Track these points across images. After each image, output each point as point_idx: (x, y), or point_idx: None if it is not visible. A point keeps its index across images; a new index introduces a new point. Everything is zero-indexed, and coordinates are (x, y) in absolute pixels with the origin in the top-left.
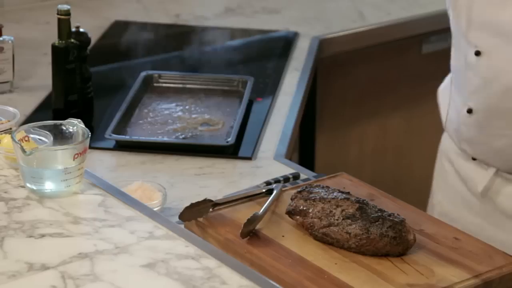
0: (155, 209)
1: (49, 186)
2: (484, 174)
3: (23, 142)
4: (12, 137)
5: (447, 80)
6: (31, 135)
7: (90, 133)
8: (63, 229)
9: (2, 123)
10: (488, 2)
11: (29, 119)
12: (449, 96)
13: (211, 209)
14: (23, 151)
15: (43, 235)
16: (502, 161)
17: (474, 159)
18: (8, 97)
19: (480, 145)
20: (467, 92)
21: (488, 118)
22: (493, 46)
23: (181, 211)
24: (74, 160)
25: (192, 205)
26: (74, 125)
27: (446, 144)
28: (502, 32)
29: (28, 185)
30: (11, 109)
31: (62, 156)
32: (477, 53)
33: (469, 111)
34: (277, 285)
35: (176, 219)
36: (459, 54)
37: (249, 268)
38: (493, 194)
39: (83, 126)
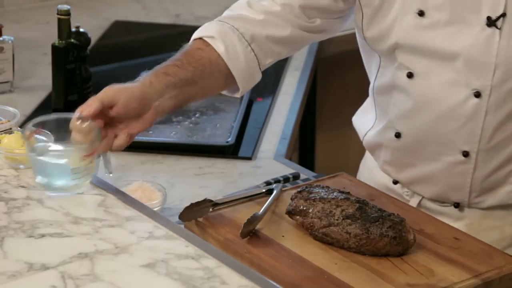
0: (155, 209)
1: (58, 181)
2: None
3: (31, 137)
4: (23, 131)
5: (364, 106)
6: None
7: (100, 132)
8: (63, 229)
9: (2, 123)
10: (415, 26)
11: (29, 119)
12: (369, 119)
13: (211, 209)
14: (33, 149)
15: (43, 235)
16: (430, 186)
17: (395, 182)
18: (8, 97)
19: (405, 170)
20: (395, 116)
21: (419, 142)
22: (428, 67)
23: (181, 211)
24: (83, 158)
25: (192, 205)
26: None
27: (369, 161)
28: (440, 53)
29: (38, 178)
30: (11, 109)
31: (72, 154)
32: (410, 75)
33: (397, 135)
34: (277, 285)
35: (176, 219)
36: (386, 75)
37: (249, 268)
38: None
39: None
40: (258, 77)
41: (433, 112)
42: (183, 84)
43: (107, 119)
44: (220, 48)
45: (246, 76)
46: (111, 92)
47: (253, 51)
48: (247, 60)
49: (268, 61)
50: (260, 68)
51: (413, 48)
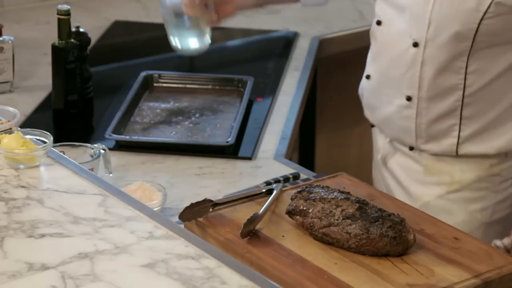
0: (155, 209)
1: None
2: (382, 142)
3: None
4: None
5: None
6: (28, 136)
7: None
8: (63, 229)
9: (2, 123)
10: None
11: (29, 119)
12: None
13: (211, 209)
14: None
15: (43, 235)
16: (390, 129)
17: (372, 126)
18: (8, 97)
19: (375, 111)
20: (368, 60)
21: (380, 84)
22: (390, 16)
23: (181, 211)
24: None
25: (192, 205)
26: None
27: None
28: (397, 4)
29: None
30: (11, 109)
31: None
32: (378, 23)
33: (367, 76)
34: (277, 285)
35: (176, 219)
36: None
37: (249, 268)
38: (389, 162)
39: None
40: None
41: (388, 56)
42: None
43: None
44: None
45: None
46: None
47: None
48: None
49: None
50: None
51: None
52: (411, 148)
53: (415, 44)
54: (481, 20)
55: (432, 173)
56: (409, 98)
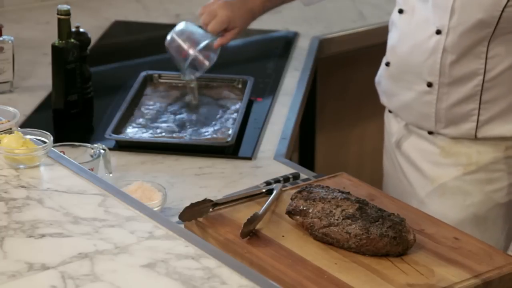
0: (155, 209)
1: None
2: (397, 127)
3: None
4: None
5: None
6: (28, 136)
7: None
8: (63, 229)
9: (2, 123)
10: None
11: (29, 119)
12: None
13: (211, 209)
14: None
15: (43, 235)
16: (408, 115)
17: (390, 112)
18: (8, 97)
19: (393, 98)
20: (388, 47)
21: (399, 72)
22: (413, 5)
23: (181, 211)
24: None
25: (192, 205)
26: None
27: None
28: None
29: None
30: (11, 109)
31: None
32: (400, 11)
33: (387, 64)
34: (277, 285)
35: (176, 219)
36: (393, 13)
37: (249, 268)
38: (403, 145)
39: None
40: None
41: (410, 43)
42: None
43: None
44: None
45: None
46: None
47: None
48: None
49: None
50: None
51: None
52: (430, 133)
53: (438, 32)
54: (504, 7)
55: (449, 155)
56: (430, 84)
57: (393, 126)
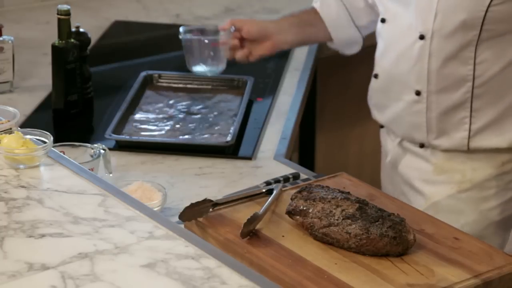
0: (155, 209)
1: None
2: (392, 145)
3: None
4: None
5: None
6: (28, 136)
7: None
8: (63, 229)
9: (2, 123)
10: None
11: (29, 119)
12: None
13: (211, 209)
14: None
15: (43, 235)
16: (400, 127)
17: (382, 126)
18: (8, 97)
19: (384, 111)
20: (376, 59)
21: (387, 82)
22: (394, 12)
23: (181, 211)
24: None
25: (192, 205)
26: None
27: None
28: (399, 1)
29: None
30: (11, 109)
31: None
32: (383, 21)
33: (375, 76)
34: (277, 285)
35: (176, 219)
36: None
37: (249, 268)
38: (399, 165)
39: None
40: (353, 31)
41: (395, 52)
42: (304, 25)
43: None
44: (316, 3)
45: (337, 25)
46: (243, 20)
47: (345, 5)
48: (338, 10)
49: (363, 21)
50: (354, 24)
51: None
52: (422, 146)
53: (421, 37)
54: (488, 6)
55: (442, 172)
56: (418, 93)
57: (388, 144)
